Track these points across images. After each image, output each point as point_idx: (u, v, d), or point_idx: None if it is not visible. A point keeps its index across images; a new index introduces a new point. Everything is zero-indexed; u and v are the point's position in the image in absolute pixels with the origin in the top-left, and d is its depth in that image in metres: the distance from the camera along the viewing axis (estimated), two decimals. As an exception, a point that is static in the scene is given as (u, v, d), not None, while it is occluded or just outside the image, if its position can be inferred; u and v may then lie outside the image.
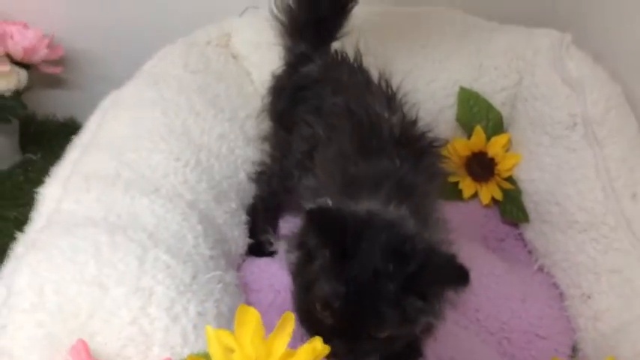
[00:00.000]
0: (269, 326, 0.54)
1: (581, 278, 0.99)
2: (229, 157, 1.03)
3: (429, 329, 0.72)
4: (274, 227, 1.05)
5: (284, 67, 1.02)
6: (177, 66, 1.11)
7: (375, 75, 0.92)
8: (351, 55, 0.97)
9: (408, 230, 0.67)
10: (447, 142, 0.90)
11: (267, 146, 1.04)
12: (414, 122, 0.83)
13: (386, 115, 0.81)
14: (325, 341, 0.59)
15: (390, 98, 0.86)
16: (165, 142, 0.96)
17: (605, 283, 0.96)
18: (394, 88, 0.87)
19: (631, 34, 1.04)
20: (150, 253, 0.76)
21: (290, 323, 0.53)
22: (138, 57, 1.14)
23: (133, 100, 1.04)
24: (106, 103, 1.05)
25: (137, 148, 0.94)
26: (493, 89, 1.14)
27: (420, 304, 0.63)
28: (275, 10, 0.99)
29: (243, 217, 1.01)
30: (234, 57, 1.21)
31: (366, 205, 0.70)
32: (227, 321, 0.77)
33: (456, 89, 1.13)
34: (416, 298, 0.63)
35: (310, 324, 0.67)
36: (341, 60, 0.96)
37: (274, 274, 0.95)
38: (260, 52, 1.19)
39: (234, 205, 0.99)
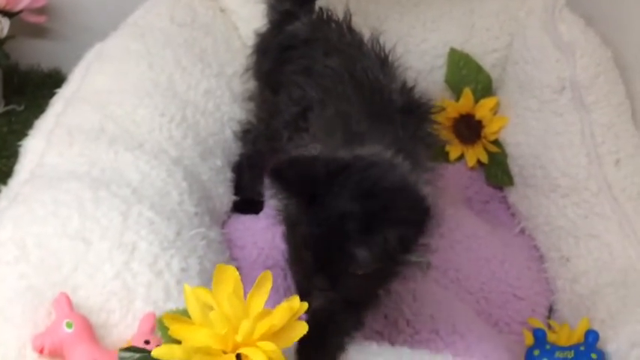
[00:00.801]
0: (253, 283, 0.55)
1: (561, 242, 1.01)
2: (215, 114, 1.02)
3: (394, 275, 0.70)
4: (260, 185, 1.05)
5: (268, 26, 0.99)
6: (164, 18, 1.09)
7: (365, 36, 0.90)
8: (338, 14, 0.95)
9: (388, 171, 0.66)
10: (442, 108, 0.89)
11: (252, 106, 1.03)
12: (412, 89, 0.82)
13: (381, 78, 0.81)
14: (309, 277, 0.65)
15: (383, 61, 0.85)
16: (151, 97, 0.95)
17: (583, 246, 0.97)
18: (386, 50, 0.86)
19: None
20: (133, 209, 0.76)
21: (268, 282, 0.54)
22: (123, 8, 1.12)
23: (118, 53, 1.02)
24: (90, 55, 1.03)
25: (122, 102, 0.93)
26: (484, 51, 1.14)
27: (390, 246, 0.62)
28: None
29: (229, 175, 1.01)
30: (222, 10, 1.19)
31: (365, 151, 0.70)
32: (210, 277, 0.75)
33: (447, 50, 1.12)
34: (381, 238, 0.62)
35: (298, 264, 0.70)
36: (327, 19, 0.94)
37: (258, 231, 0.96)
38: (249, 5, 1.16)
39: (219, 163, 0.99)
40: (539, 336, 0.85)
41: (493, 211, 1.14)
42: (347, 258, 0.62)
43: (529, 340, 0.87)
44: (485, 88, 1.13)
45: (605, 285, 0.92)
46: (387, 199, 0.63)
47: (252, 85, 1.02)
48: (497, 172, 1.13)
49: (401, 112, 0.79)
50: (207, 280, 0.76)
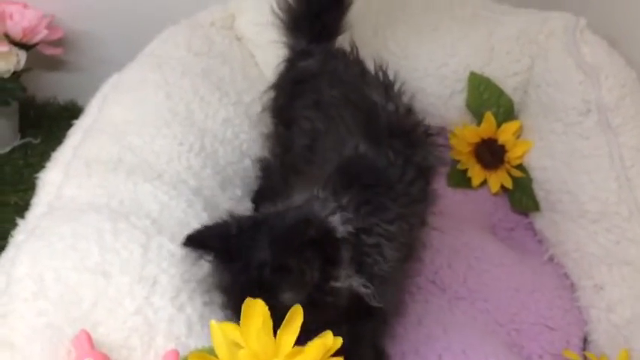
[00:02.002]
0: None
1: (593, 269, 0.97)
2: (234, 142, 1.00)
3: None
4: None
5: (285, 64, 0.99)
6: (181, 48, 1.08)
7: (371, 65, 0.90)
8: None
9: (296, 215, 0.68)
10: (443, 128, 0.87)
11: (270, 143, 1.01)
12: (409, 110, 0.80)
13: (381, 103, 0.79)
14: None
15: (387, 87, 0.83)
16: (169, 127, 0.94)
17: (617, 274, 0.94)
18: (390, 76, 0.85)
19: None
20: (154, 241, 0.74)
21: (299, 317, 0.51)
22: (139, 39, 1.11)
23: (136, 83, 1.01)
24: (107, 86, 1.02)
25: (140, 132, 0.92)
26: (505, 74, 1.12)
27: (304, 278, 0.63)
28: (275, 7, 0.97)
29: (248, 205, 0.99)
30: (239, 39, 1.18)
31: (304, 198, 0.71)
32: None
33: (467, 74, 1.11)
34: (295, 274, 0.63)
35: None
36: (337, 53, 0.94)
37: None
38: (265, 33, 1.14)
39: (239, 192, 0.97)
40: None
41: (519, 238, 1.11)
42: (273, 302, 0.61)
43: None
44: (507, 111, 1.11)
45: (643, 313, 0.88)
46: (286, 236, 0.64)
47: (269, 122, 1.01)
48: (522, 197, 1.10)
49: (390, 135, 0.77)
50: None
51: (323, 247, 0.64)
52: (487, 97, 1.10)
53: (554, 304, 0.97)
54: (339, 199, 0.69)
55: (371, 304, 0.68)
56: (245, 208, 0.98)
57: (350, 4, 0.95)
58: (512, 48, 1.11)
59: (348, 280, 0.66)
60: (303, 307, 0.60)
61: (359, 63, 0.92)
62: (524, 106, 1.13)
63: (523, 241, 1.11)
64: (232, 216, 0.70)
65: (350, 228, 0.67)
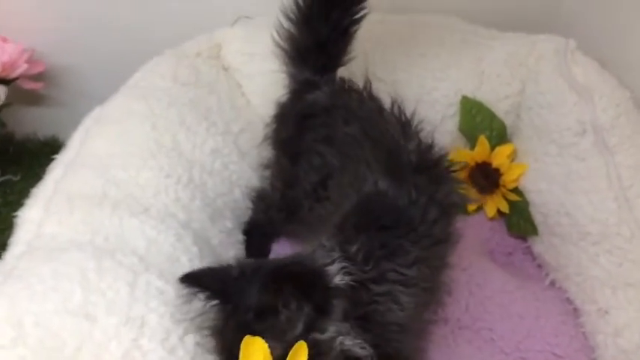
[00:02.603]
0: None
1: (596, 293, 0.94)
2: (223, 173, 0.97)
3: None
4: (267, 254, 0.99)
5: (288, 95, 0.96)
6: (167, 79, 1.05)
7: (386, 101, 0.87)
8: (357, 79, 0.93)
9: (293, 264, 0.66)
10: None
11: (268, 174, 0.98)
12: (431, 147, 0.78)
13: (400, 140, 0.77)
14: None
15: (404, 125, 0.81)
16: (155, 159, 0.91)
17: (622, 297, 0.91)
18: (407, 114, 0.82)
19: (637, 39, 1.01)
20: (141, 279, 0.70)
21: (303, 352, 0.47)
22: (121, 73, 1.08)
23: (120, 115, 0.98)
24: (90, 120, 0.98)
25: (125, 165, 0.88)
26: (496, 97, 1.10)
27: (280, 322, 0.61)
28: (277, 37, 0.94)
29: (239, 237, 0.95)
30: (225, 69, 1.16)
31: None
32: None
33: (458, 98, 1.09)
34: (274, 317, 0.61)
35: None
36: (348, 88, 0.91)
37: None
38: (252, 63, 1.13)
39: (229, 225, 0.93)
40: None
41: (518, 263, 1.08)
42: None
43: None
44: (500, 135, 1.09)
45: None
46: (270, 279, 0.62)
47: (269, 153, 0.98)
48: (519, 221, 1.07)
49: (414, 172, 0.74)
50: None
51: (310, 294, 0.62)
52: (480, 121, 1.08)
53: (560, 331, 0.94)
54: (346, 248, 0.66)
55: None
56: (236, 240, 0.94)
57: (355, 32, 0.92)
58: (502, 71, 1.10)
59: (336, 336, 0.62)
60: None
61: (374, 98, 0.89)
62: (516, 129, 1.11)
63: (522, 266, 1.08)
64: (237, 260, 0.69)
65: (347, 279, 0.63)
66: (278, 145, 0.94)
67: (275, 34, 0.94)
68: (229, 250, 0.91)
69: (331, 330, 0.62)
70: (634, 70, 1.01)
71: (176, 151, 0.94)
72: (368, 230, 0.67)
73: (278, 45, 0.94)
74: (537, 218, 1.06)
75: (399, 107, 0.83)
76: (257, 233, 0.97)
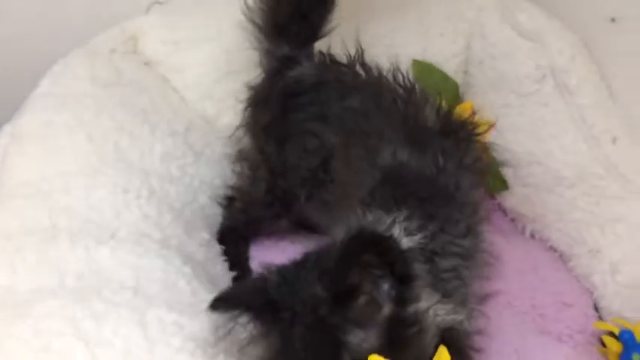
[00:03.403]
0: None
1: (583, 234, 0.94)
2: (183, 179, 0.84)
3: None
4: (247, 259, 0.87)
5: (264, 75, 0.85)
6: (84, 81, 0.88)
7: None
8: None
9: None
10: (491, 125, 0.77)
11: (243, 167, 0.86)
12: (450, 111, 0.71)
13: (412, 106, 0.70)
14: None
15: (410, 91, 0.73)
16: (103, 174, 0.75)
17: (611, 233, 0.91)
18: (410, 78, 0.75)
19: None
20: (149, 316, 0.56)
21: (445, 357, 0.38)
22: (19, 81, 0.89)
23: (40, 130, 0.80)
24: (1, 141, 0.79)
25: (68, 187, 0.73)
26: (444, 57, 1.06)
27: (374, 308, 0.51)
28: (247, 11, 0.83)
29: (218, 248, 0.82)
30: (147, 64, 1.00)
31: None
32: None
33: (408, 63, 1.03)
34: (355, 300, 0.51)
35: None
36: (334, 61, 0.82)
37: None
38: (178, 53, 0.99)
39: (206, 235, 0.81)
40: (629, 338, 0.76)
41: (493, 221, 1.05)
42: (343, 354, 0.50)
43: (614, 346, 0.77)
44: (454, 95, 1.06)
45: (654, 266, 0.86)
46: (337, 257, 0.50)
47: (244, 144, 0.86)
48: (488, 179, 1.04)
49: (439, 136, 0.67)
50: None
51: (390, 263, 0.50)
52: (434, 83, 1.03)
53: (559, 279, 0.93)
54: (395, 215, 0.56)
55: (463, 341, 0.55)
56: (216, 252, 0.81)
57: (335, 2, 0.82)
58: (445, 29, 1.07)
59: (430, 305, 0.53)
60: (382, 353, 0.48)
61: (368, 70, 0.80)
62: (468, 87, 1.09)
63: (498, 223, 1.05)
64: (267, 268, 0.56)
65: (418, 240, 0.54)
66: (259, 132, 0.83)
67: (244, 9, 0.83)
68: (216, 264, 0.79)
69: (423, 299, 0.53)
70: (574, 12, 1.02)
71: (124, 162, 0.79)
72: (406, 203, 0.59)
73: (251, 21, 0.83)
74: (507, 172, 1.03)
75: (401, 73, 0.75)
76: (233, 239, 0.85)
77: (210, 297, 0.64)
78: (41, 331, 0.51)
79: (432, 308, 0.53)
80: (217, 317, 0.61)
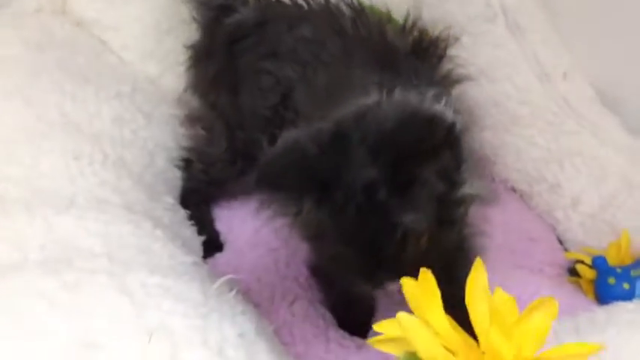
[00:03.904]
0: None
1: (543, 171, 0.95)
2: (137, 142, 0.78)
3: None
4: (212, 222, 0.83)
5: (202, 30, 0.80)
6: (14, 45, 0.80)
7: None
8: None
9: (387, 111, 0.52)
10: (457, 38, 0.75)
11: (196, 129, 0.81)
12: (414, 26, 0.69)
13: (370, 27, 0.67)
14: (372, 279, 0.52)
15: (358, 12, 0.70)
16: (49, 139, 0.69)
17: (570, 167, 0.93)
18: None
19: None
20: (130, 280, 0.51)
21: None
22: None
23: (-28, 98, 0.71)
24: None
25: (11, 156, 0.66)
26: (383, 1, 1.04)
27: (430, 188, 0.50)
28: None
29: (183, 212, 0.77)
30: (79, 24, 0.92)
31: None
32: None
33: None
34: (420, 188, 0.50)
35: (341, 272, 0.55)
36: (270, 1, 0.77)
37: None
38: (113, 11, 0.92)
39: (170, 199, 0.75)
40: (601, 263, 0.78)
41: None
42: (397, 233, 0.49)
43: (588, 273, 0.79)
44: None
45: (612, 195, 0.88)
46: (399, 141, 0.49)
47: (193, 106, 0.80)
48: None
49: (409, 57, 0.65)
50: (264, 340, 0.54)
51: (448, 145, 0.49)
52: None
53: (523, 217, 0.94)
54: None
55: None
56: (182, 216, 0.76)
57: None
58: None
59: (476, 186, 0.52)
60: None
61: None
62: (416, 31, 1.07)
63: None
64: (296, 132, 0.53)
65: (460, 119, 0.52)
66: (208, 88, 0.78)
67: None
68: (184, 229, 0.73)
69: (470, 179, 0.52)
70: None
71: (71, 126, 0.72)
72: None
73: None
74: (463, 116, 1.03)
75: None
76: (195, 203, 0.80)
77: (187, 259, 0.61)
78: (9, 311, 0.45)
79: (474, 191, 0.53)
80: (202, 276, 0.58)
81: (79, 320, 0.45)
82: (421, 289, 0.36)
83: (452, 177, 0.51)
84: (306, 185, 0.50)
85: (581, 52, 0.97)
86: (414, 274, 0.48)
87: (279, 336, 0.67)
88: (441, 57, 0.67)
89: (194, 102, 0.81)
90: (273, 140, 0.68)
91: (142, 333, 0.46)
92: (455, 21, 0.99)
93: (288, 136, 0.54)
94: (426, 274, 0.37)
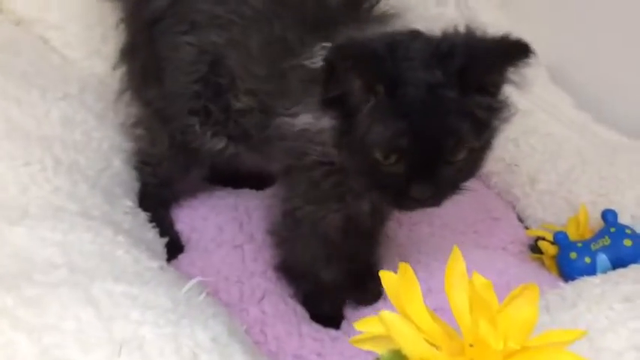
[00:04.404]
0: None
1: (500, 151, 0.96)
2: (91, 144, 0.75)
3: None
4: (170, 223, 0.81)
5: (127, 23, 0.76)
6: (-52, 48, 0.75)
7: None
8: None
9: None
10: None
11: (139, 130, 0.78)
12: None
13: None
14: (401, 195, 0.54)
15: None
16: (-4, 147, 0.64)
17: (525, 145, 0.94)
18: None
19: None
20: (95, 290, 0.48)
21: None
22: None
23: None
24: None
25: None
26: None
27: (487, 100, 0.54)
28: None
29: (144, 215, 0.74)
30: (18, 24, 0.87)
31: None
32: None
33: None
34: (480, 94, 0.53)
35: (376, 187, 0.56)
36: None
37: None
38: (56, 7, 0.88)
39: (129, 203, 0.73)
40: (563, 238, 0.79)
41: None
42: (450, 139, 0.51)
43: (550, 250, 0.81)
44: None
45: (568, 171, 0.90)
46: (468, 49, 0.52)
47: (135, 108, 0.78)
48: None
49: (340, 14, 0.63)
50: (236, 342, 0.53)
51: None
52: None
53: (484, 197, 0.95)
54: None
55: None
56: (144, 219, 0.73)
57: None
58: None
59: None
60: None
61: None
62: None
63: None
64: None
65: None
66: (139, 83, 0.75)
67: None
68: (146, 232, 0.71)
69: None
70: None
71: (19, 131, 0.68)
72: None
73: None
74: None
75: None
76: (152, 205, 0.77)
77: (153, 264, 0.59)
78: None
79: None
80: (170, 281, 0.56)
81: (44, 336, 0.43)
82: (401, 281, 0.36)
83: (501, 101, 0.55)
84: (380, 75, 0.51)
85: (531, 33, 0.98)
86: (447, 192, 0.55)
87: (251, 335, 0.66)
88: (372, 8, 0.65)
89: (133, 103, 0.78)
90: (206, 119, 0.68)
91: (111, 345, 0.44)
92: (406, 5, 0.99)
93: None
94: (406, 268, 0.37)
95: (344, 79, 0.52)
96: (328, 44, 0.55)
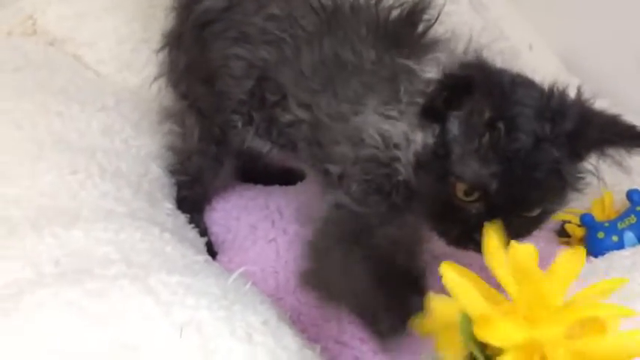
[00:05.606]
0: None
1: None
2: (129, 152, 0.78)
3: None
4: (205, 228, 0.83)
5: (174, 18, 0.78)
6: (-9, 68, 0.80)
7: None
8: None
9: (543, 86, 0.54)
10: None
11: (171, 125, 0.81)
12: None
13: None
14: (465, 234, 0.52)
15: None
16: (43, 159, 0.69)
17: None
18: None
19: None
20: (152, 281, 0.52)
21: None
22: None
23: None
24: None
25: (5, 178, 0.65)
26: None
27: (579, 167, 0.53)
28: None
29: (183, 217, 0.78)
30: (52, 44, 0.92)
31: None
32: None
33: None
34: (579, 160, 0.53)
35: (440, 217, 0.54)
36: None
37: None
38: (85, 26, 0.92)
39: (169, 204, 0.76)
40: (589, 219, 0.81)
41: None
42: (536, 194, 0.51)
43: (577, 232, 0.82)
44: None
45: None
46: (581, 116, 0.51)
47: (167, 101, 0.80)
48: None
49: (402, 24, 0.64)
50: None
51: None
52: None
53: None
54: None
55: None
56: (184, 221, 0.77)
57: None
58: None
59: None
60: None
61: None
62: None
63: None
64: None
65: None
66: (180, 77, 0.77)
67: None
68: (187, 231, 0.74)
69: None
70: None
71: (64, 143, 0.72)
72: None
73: None
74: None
75: None
76: (188, 208, 0.80)
77: (199, 258, 0.62)
78: (40, 323, 0.46)
79: None
80: (217, 273, 0.59)
81: (110, 324, 0.46)
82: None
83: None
84: (504, 112, 0.50)
85: (543, 24, 1.01)
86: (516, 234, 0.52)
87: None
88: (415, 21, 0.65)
89: (168, 96, 0.80)
90: (249, 121, 0.70)
91: (172, 329, 0.47)
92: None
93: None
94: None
95: (467, 101, 0.50)
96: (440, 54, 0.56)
